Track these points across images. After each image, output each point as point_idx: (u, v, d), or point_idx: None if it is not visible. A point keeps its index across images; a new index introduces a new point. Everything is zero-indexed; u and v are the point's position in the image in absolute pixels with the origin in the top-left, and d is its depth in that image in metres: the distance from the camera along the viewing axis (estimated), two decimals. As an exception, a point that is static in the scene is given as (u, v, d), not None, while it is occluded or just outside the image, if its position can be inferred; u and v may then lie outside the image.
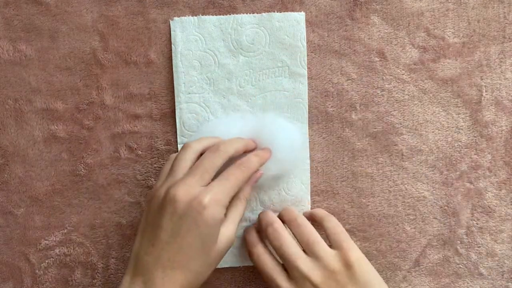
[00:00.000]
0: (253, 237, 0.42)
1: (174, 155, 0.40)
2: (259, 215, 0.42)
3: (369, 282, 0.37)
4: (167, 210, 0.35)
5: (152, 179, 0.45)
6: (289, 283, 0.38)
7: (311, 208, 0.45)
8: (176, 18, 0.44)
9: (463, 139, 0.45)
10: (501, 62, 0.45)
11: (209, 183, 0.36)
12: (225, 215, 0.37)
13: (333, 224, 0.41)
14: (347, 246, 0.39)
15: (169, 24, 0.44)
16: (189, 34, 0.44)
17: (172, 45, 0.44)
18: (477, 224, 0.46)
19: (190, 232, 0.35)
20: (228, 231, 0.37)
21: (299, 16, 0.44)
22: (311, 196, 0.45)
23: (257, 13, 0.44)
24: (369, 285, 0.37)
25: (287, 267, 0.39)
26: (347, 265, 0.38)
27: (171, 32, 0.44)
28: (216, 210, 0.35)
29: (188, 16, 0.44)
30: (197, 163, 0.37)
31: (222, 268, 0.45)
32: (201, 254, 0.35)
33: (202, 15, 0.44)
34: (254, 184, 0.41)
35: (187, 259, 0.35)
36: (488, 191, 0.45)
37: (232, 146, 0.38)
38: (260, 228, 0.42)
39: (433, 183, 0.45)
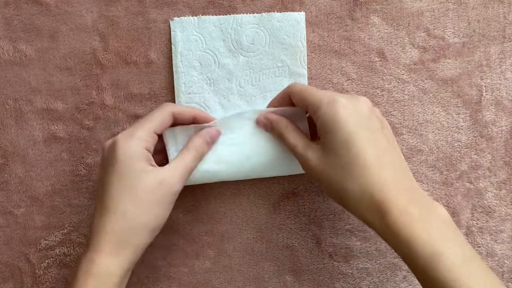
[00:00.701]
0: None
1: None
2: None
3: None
4: (101, 162, 0.37)
5: (152, 179, 0.45)
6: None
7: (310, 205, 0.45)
8: (176, 18, 0.44)
9: (463, 139, 0.45)
10: (501, 62, 0.45)
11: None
12: (168, 162, 0.37)
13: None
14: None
15: (169, 24, 0.44)
16: (189, 34, 0.44)
17: (172, 45, 0.44)
18: (477, 224, 0.46)
19: (108, 174, 0.35)
20: (163, 173, 0.36)
21: (299, 16, 0.44)
22: (311, 196, 0.45)
23: (257, 13, 0.44)
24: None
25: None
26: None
27: (171, 32, 0.44)
28: (128, 143, 0.35)
29: (188, 16, 0.44)
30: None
31: (222, 268, 0.46)
32: (126, 194, 0.34)
33: (202, 15, 0.44)
34: (209, 140, 0.39)
35: (114, 202, 0.34)
36: (488, 191, 0.45)
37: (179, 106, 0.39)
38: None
39: (433, 183, 0.45)
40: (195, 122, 0.40)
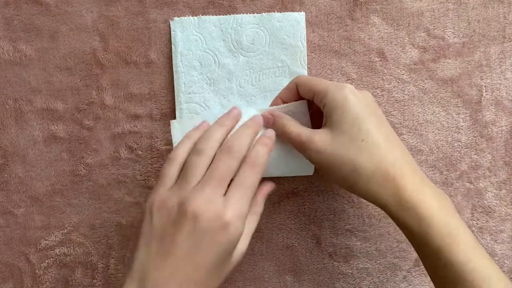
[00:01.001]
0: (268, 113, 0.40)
1: (174, 154, 0.37)
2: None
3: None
4: (185, 226, 0.32)
5: (152, 179, 0.45)
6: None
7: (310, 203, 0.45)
8: (176, 18, 0.44)
9: (463, 139, 0.45)
10: (501, 62, 0.45)
11: (226, 190, 0.34)
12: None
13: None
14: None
15: (169, 24, 0.44)
16: (189, 34, 0.44)
17: (172, 45, 0.44)
18: (477, 224, 0.46)
19: (209, 250, 0.32)
20: (242, 246, 0.36)
21: (299, 16, 0.44)
22: (311, 196, 0.45)
23: (257, 13, 0.44)
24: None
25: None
26: None
27: (171, 32, 0.44)
28: (239, 226, 0.33)
29: (188, 16, 0.44)
30: (213, 169, 0.34)
31: (222, 268, 0.46)
32: (218, 271, 0.34)
33: (202, 15, 0.44)
34: (266, 197, 0.40)
35: (205, 276, 0.33)
36: (488, 191, 0.45)
37: (244, 143, 0.36)
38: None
39: (433, 183, 0.45)
40: None
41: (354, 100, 0.35)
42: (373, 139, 0.34)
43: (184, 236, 0.32)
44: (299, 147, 0.37)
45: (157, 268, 0.32)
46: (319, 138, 0.35)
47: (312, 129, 0.37)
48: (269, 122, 0.40)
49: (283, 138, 0.39)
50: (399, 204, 0.32)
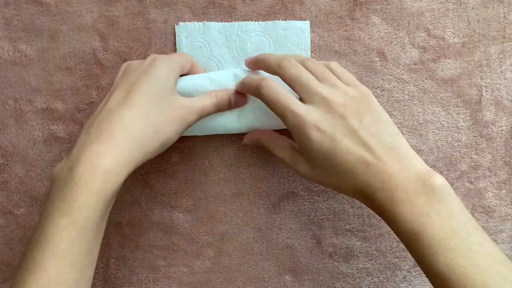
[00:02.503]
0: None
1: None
2: (242, 81, 0.41)
3: (382, 113, 0.37)
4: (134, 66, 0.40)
5: (152, 179, 0.45)
6: (308, 107, 0.36)
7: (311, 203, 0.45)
8: (181, 23, 0.43)
9: (463, 139, 0.45)
10: (501, 62, 0.45)
11: None
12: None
13: (339, 67, 0.40)
14: (358, 83, 0.38)
15: (169, 24, 0.44)
16: (194, 40, 0.43)
17: (177, 51, 0.44)
18: (477, 224, 0.46)
19: (142, 79, 0.37)
20: (188, 103, 0.38)
21: (304, 25, 0.43)
22: (311, 196, 0.45)
23: (257, 13, 0.44)
24: (382, 115, 0.37)
25: (304, 97, 0.36)
26: (363, 94, 0.37)
27: (176, 38, 0.43)
28: (168, 63, 0.38)
29: (189, 15, 0.44)
30: None
31: (222, 268, 0.46)
32: (154, 100, 0.36)
33: (202, 15, 0.44)
34: (232, 99, 0.40)
35: (140, 99, 0.35)
36: (488, 191, 0.45)
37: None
38: (249, 92, 0.40)
39: (433, 183, 0.45)
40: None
41: (318, 139, 0.35)
42: (347, 167, 0.35)
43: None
44: (285, 116, 0.37)
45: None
46: (301, 168, 0.38)
47: (293, 154, 0.39)
48: (254, 142, 0.43)
49: (268, 104, 0.39)
50: (377, 212, 0.35)
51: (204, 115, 0.39)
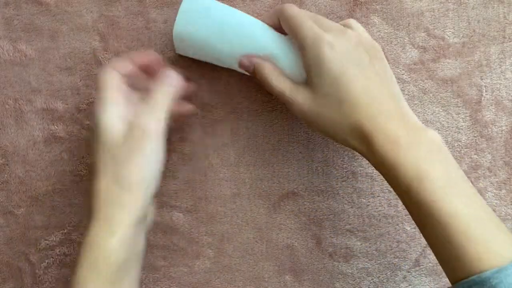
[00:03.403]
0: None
1: None
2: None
3: (389, 68, 0.37)
4: None
5: (152, 179, 0.45)
6: (329, 34, 0.35)
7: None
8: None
9: (463, 139, 0.45)
10: (501, 62, 0.45)
11: None
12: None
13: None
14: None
15: (169, 24, 0.44)
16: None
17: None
18: (477, 224, 0.46)
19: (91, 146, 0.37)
20: (136, 120, 0.35)
21: None
22: (311, 196, 0.45)
23: (257, 13, 0.44)
24: (389, 70, 0.37)
25: (322, 29, 0.36)
26: (377, 47, 0.38)
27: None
28: (99, 115, 0.36)
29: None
30: None
31: (222, 268, 0.46)
32: (101, 152, 0.35)
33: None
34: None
35: (98, 164, 0.35)
36: (488, 191, 0.45)
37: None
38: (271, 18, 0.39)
39: (433, 183, 0.45)
40: (149, 68, 0.39)
41: (330, 57, 0.34)
42: (353, 97, 0.34)
43: None
44: (282, 101, 0.38)
45: None
46: (301, 97, 0.36)
47: (294, 86, 0.37)
48: (249, 69, 0.39)
49: (265, 88, 0.39)
50: (372, 155, 0.34)
51: (167, 110, 0.36)
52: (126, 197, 0.34)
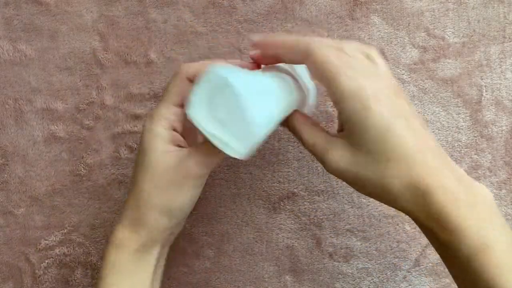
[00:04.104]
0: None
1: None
2: (283, 42, 0.33)
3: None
4: None
5: (152, 179, 0.45)
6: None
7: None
8: None
9: (463, 139, 0.45)
10: (501, 62, 0.45)
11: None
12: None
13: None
14: None
15: (169, 24, 0.44)
16: None
17: None
18: (477, 224, 0.46)
19: (136, 155, 0.35)
20: (183, 155, 0.33)
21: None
22: (311, 196, 0.45)
23: (257, 13, 0.44)
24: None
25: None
26: (399, 87, 0.33)
27: None
28: (151, 125, 0.34)
29: (189, 15, 0.44)
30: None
31: (222, 268, 0.46)
32: (145, 173, 0.34)
33: (202, 14, 0.44)
34: None
35: (135, 180, 0.34)
36: (488, 191, 0.45)
37: (193, 69, 0.34)
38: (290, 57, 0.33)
39: (433, 183, 0.45)
40: None
41: (377, 111, 0.30)
42: (403, 152, 0.30)
43: None
44: (314, 156, 0.34)
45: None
46: (337, 154, 0.31)
47: (328, 138, 0.33)
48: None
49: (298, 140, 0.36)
50: (430, 217, 0.29)
51: (215, 159, 0.34)
52: (152, 218, 0.34)
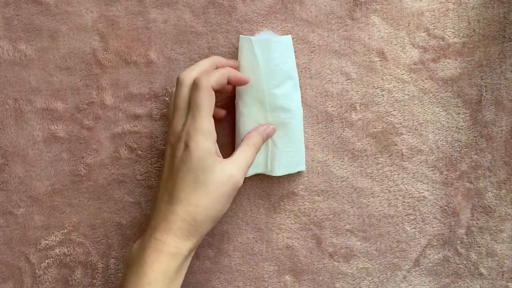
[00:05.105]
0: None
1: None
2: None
3: None
4: (165, 153, 0.39)
5: (152, 179, 0.45)
6: None
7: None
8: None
9: (463, 139, 0.45)
10: (501, 62, 0.45)
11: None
12: (231, 156, 0.39)
13: None
14: None
15: (169, 24, 0.44)
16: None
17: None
18: (477, 224, 0.46)
19: (181, 172, 0.37)
20: (231, 169, 0.37)
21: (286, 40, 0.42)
22: (311, 196, 0.45)
23: (257, 13, 0.44)
24: None
25: None
26: None
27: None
28: (199, 143, 0.36)
29: (189, 15, 0.44)
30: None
31: (222, 268, 0.46)
32: (197, 187, 0.37)
33: (202, 14, 0.44)
34: (265, 137, 0.42)
35: (185, 193, 0.36)
36: (488, 191, 0.45)
37: (214, 78, 0.38)
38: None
39: (433, 183, 0.45)
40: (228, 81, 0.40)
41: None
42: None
43: (165, 160, 0.39)
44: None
45: (155, 196, 0.39)
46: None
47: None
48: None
49: None
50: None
51: (249, 168, 0.40)
52: (196, 231, 0.37)
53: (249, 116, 0.42)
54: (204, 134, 0.36)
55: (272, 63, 0.41)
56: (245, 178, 0.45)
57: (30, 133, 0.45)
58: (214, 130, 0.37)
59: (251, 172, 0.43)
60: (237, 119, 0.43)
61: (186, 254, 0.37)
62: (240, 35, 0.42)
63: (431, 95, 0.45)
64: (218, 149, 0.38)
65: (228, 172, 0.37)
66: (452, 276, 0.46)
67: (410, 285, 0.46)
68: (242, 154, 0.39)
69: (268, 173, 0.44)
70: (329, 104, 0.45)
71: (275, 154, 0.43)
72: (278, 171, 0.43)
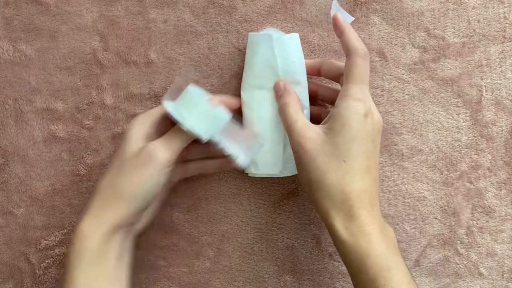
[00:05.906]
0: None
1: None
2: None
3: None
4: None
5: (152, 179, 0.45)
6: None
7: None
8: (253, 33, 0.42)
9: (463, 139, 0.45)
10: (501, 62, 0.45)
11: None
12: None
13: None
14: None
15: (169, 24, 0.44)
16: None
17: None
18: (477, 224, 0.46)
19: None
20: (153, 144, 0.37)
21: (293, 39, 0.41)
22: (311, 196, 0.45)
23: (257, 13, 0.44)
24: None
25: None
26: None
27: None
28: (131, 125, 0.38)
29: (189, 15, 0.44)
30: None
31: (222, 268, 0.46)
32: (115, 160, 0.38)
33: (202, 14, 0.44)
34: None
35: (108, 169, 0.38)
36: (488, 191, 0.45)
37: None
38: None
39: (433, 183, 0.45)
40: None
41: (360, 121, 0.35)
42: (355, 164, 0.35)
43: None
44: (289, 131, 0.38)
45: None
46: (310, 137, 0.36)
47: (308, 122, 0.37)
48: (278, 92, 0.40)
49: (280, 113, 0.39)
50: (345, 228, 0.35)
51: (181, 146, 0.38)
52: (113, 204, 0.36)
53: (260, 112, 0.41)
54: (136, 119, 0.39)
55: (289, 60, 0.40)
56: (245, 178, 0.45)
57: (30, 133, 0.45)
58: (153, 118, 0.39)
59: (265, 172, 0.42)
60: (246, 114, 0.42)
61: (94, 236, 0.35)
62: (250, 33, 0.42)
63: (431, 95, 0.45)
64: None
65: (147, 145, 0.37)
66: (452, 276, 0.46)
67: (410, 285, 0.46)
68: (172, 131, 0.38)
69: (279, 175, 0.42)
70: (329, 104, 0.45)
71: (288, 154, 0.41)
72: (288, 171, 0.42)
